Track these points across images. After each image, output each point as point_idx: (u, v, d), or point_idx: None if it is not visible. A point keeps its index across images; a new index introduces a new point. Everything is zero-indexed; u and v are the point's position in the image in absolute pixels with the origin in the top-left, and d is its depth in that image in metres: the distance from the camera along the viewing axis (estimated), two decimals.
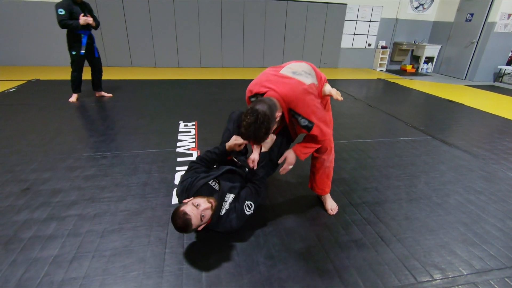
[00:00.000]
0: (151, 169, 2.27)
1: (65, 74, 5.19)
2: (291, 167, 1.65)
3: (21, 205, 1.78)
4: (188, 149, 2.66)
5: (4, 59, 5.87)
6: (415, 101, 5.09)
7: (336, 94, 1.64)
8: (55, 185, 2.01)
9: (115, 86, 4.78)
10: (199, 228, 1.42)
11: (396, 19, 7.76)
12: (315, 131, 1.53)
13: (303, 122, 1.51)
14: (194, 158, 2.49)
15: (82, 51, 3.68)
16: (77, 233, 1.58)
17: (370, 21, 7.61)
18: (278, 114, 1.47)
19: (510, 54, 6.98)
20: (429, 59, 8.02)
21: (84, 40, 3.66)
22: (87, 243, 1.51)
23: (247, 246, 1.55)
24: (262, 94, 1.53)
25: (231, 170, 1.69)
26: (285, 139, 1.77)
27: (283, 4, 6.81)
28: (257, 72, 1.78)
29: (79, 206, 1.80)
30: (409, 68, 8.17)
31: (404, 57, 8.25)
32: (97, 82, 4.10)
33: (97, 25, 3.68)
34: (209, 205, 1.41)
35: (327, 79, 1.72)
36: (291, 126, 1.70)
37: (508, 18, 6.45)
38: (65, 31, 3.59)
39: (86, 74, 3.93)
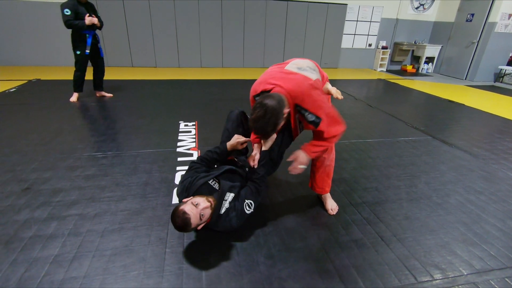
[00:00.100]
0: (151, 169, 2.28)
1: (66, 74, 5.22)
2: (303, 167, 1.58)
3: (22, 205, 1.79)
4: (188, 149, 2.66)
5: (5, 59, 5.88)
6: (415, 101, 5.09)
7: (336, 92, 1.64)
8: (55, 185, 2.01)
9: (116, 86, 4.79)
10: (199, 227, 1.42)
11: (397, 19, 7.76)
12: (322, 126, 1.49)
13: (310, 117, 1.48)
14: (194, 158, 2.50)
15: (87, 51, 3.71)
16: (77, 232, 1.58)
17: (370, 21, 7.61)
18: (286, 111, 1.44)
19: (510, 55, 6.97)
20: (429, 59, 8.01)
21: (89, 40, 3.68)
22: (88, 243, 1.52)
23: (247, 245, 1.55)
24: (268, 91, 1.51)
25: (231, 169, 1.69)
26: (286, 138, 1.76)
27: (284, 4, 6.81)
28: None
29: (79, 206, 1.80)
30: (409, 68, 8.16)
31: (404, 57, 8.25)
32: (98, 82, 4.11)
33: (101, 25, 3.71)
34: (208, 204, 1.41)
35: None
36: (294, 125, 1.69)
37: (509, 18, 6.44)
38: (67, 31, 3.60)
39: (87, 74, 3.93)
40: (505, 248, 1.64)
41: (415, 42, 8.04)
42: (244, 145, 1.78)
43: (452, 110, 4.51)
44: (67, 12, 3.42)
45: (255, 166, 1.66)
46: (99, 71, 4.05)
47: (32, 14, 5.71)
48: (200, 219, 1.38)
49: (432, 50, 7.80)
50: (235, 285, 1.31)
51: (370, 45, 7.93)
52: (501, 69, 6.95)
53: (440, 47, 7.78)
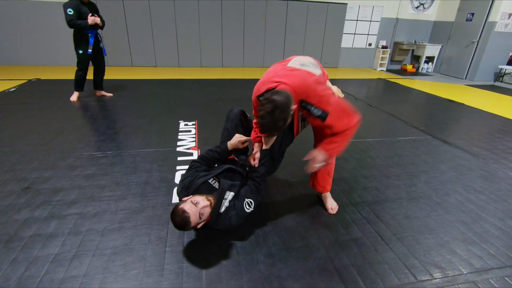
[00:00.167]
0: (151, 168, 2.28)
1: (66, 74, 5.22)
2: (320, 165, 1.54)
3: (22, 204, 1.79)
4: (188, 149, 2.66)
5: (5, 58, 5.88)
6: (415, 100, 5.09)
7: (337, 91, 1.64)
8: (55, 184, 2.01)
9: (116, 85, 4.79)
10: (198, 226, 1.42)
11: (397, 18, 7.75)
12: (329, 120, 1.45)
13: (316, 112, 1.44)
14: (194, 157, 2.50)
15: (90, 50, 3.72)
16: (77, 231, 1.59)
17: (370, 21, 7.60)
18: (294, 107, 1.41)
19: (510, 54, 6.97)
20: (429, 59, 8.01)
21: (91, 40, 3.69)
22: (88, 242, 1.52)
23: (247, 244, 1.56)
24: (273, 90, 1.47)
25: (231, 168, 1.70)
26: (287, 137, 1.76)
27: (284, 4, 6.81)
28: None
29: (79, 205, 1.80)
30: (409, 67, 8.16)
31: (404, 56, 8.25)
32: (99, 81, 4.12)
33: (103, 25, 3.72)
34: (208, 202, 1.42)
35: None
36: (297, 122, 1.68)
37: (509, 17, 6.44)
38: (67, 30, 3.61)
39: (88, 73, 3.93)
40: (504, 247, 1.64)
41: (415, 42, 8.03)
42: (245, 144, 1.78)
43: (452, 109, 4.51)
44: (70, 12, 3.43)
45: (256, 165, 1.66)
46: (99, 71, 4.05)
47: (32, 14, 5.71)
48: (200, 217, 1.38)
49: (432, 50, 7.80)
50: (235, 284, 1.32)
51: (370, 44, 7.92)
52: (501, 68, 6.95)
53: (440, 46, 7.78)
